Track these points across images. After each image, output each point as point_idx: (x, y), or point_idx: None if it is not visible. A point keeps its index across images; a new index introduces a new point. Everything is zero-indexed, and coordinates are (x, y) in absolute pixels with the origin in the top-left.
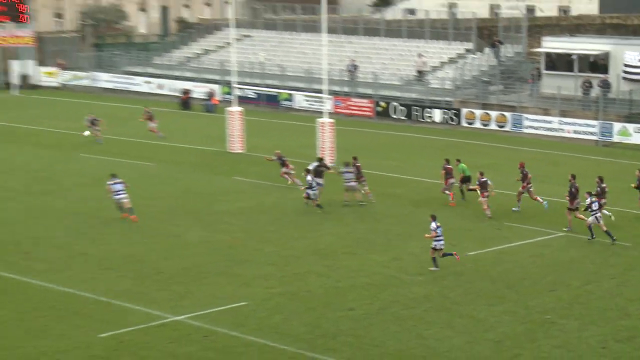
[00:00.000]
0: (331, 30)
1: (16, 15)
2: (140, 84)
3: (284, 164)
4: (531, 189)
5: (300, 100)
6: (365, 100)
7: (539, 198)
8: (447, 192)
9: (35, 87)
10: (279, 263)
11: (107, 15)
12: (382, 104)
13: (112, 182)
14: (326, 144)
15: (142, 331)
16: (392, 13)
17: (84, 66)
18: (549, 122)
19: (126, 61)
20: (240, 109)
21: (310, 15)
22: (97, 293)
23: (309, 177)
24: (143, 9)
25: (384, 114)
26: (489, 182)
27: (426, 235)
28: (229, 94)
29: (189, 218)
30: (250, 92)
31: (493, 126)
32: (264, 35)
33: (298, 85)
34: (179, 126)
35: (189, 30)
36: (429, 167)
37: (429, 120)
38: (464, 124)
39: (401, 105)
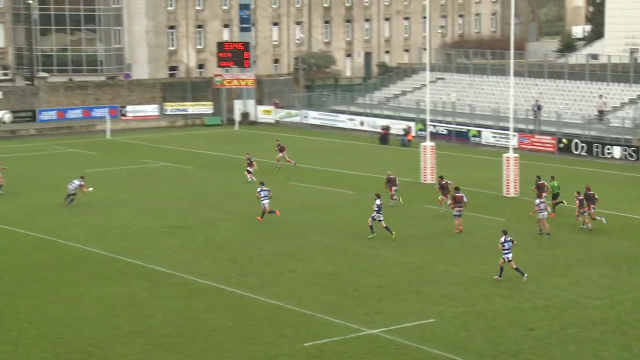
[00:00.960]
0: (518, 74)
1: (240, 60)
2: (344, 121)
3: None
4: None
5: (487, 136)
6: (548, 137)
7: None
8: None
9: (253, 123)
10: (465, 284)
11: (317, 60)
12: (564, 140)
13: (259, 189)
14: (511, 177)
15: (341, 342)
16: (576, 58)
17: (296, 105)
18: None
19: (332, 100)
20: (432, 144)
21: (499, 60)
22: (303, 306)
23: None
24: (349, 55)
25: (565, 150)
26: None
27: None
28: (423, 130)
29: (385, 241)
30: (442, 129)
31: None
32: (456, 77)
33: (486, 123)
34: (377, 159)
35: (389, 74)
36: (610, 201)
37: (608, 156)
38: None
39: (582, 142)
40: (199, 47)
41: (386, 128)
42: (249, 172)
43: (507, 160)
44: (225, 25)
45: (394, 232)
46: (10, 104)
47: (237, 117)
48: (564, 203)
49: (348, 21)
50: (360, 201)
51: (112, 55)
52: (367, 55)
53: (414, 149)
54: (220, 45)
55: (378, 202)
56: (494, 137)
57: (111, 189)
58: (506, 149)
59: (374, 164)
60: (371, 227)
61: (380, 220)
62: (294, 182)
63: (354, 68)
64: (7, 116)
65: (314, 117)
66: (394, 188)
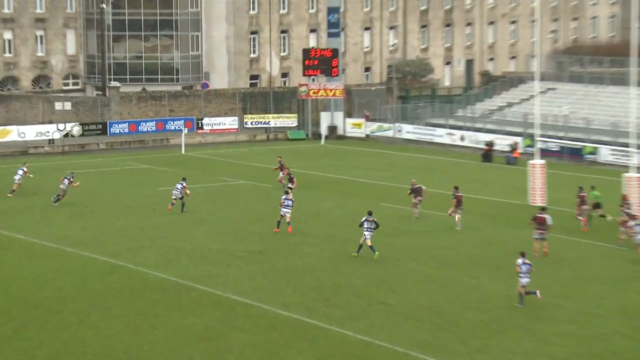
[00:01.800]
0: None
1: (328, 69)
2: (442, 136)
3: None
4: None
5: (605, 154)
6: None
7: None
8: (579, 217)
9: (342, 138)
10: (580, 321)
11: (413, 68)
12: None
13: (284, 197)
14: (633, 199)
15: None
16: None
17: (388, 118)
18: None
19: (429, 113)
20: (542, 161)
21: (619, 68)
22: (395, 343)
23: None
24: (448, 62)
25: None
26: None
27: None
28: (531, 146)
29: (487, 269)
30: (553, 145)
31: None
32: (568, 88)
33: (603, 139)
34: (480, 177)
35: (493, 83)
36: None
37: None
38: None
39: None
40: (283, 54)
41: (490, 144)
42: (290, 188)
43: (629, 181)
44: (312, 30)
45: (376, 252)
46: (79, 115)
47: (323, 130)
48: (606, 217)
49: (447, 25)
50: (463, 225)
51: (189, 63)
52: (469, 63)
53: (521, 168)
54: (306, 52)
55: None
56: (613, 154)
57: (186, 208)
58: (626, 168)
59: (475, 183)
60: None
61: (366, 238)
62: (386, 203)
63: (454, 77)
64: (75, 129)
65: (408, 131)
66: (418, 198)
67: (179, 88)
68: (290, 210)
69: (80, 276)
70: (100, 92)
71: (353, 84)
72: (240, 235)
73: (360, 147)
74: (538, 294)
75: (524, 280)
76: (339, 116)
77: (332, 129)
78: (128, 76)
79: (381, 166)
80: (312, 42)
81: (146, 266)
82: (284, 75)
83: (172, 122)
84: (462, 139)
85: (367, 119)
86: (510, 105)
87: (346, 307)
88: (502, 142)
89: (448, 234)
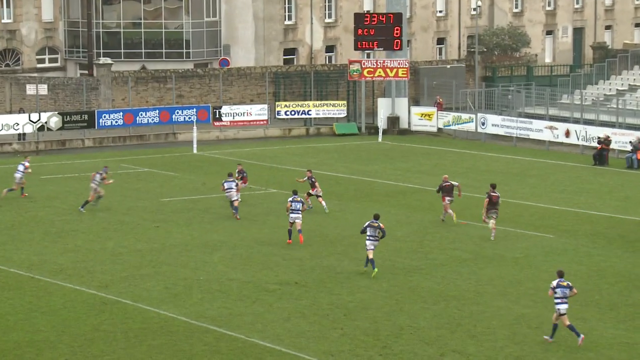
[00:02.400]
0: None
1: (388, 40)
2: (540, 130)
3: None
4: None
5: None
6: None
7: None
8: None
9: (406, 132)
10: None
11: (503, 40)
12: None
13: (291, 199)
14: None
15: None
16: None
17: (469, 106)
18: None
19: (524, 100)
20: None
21: None
22: None
23: None
24: (549, 32)
25: None
26: None
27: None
28: None
29: (598, 309)
30: None
31: None
32: None
33: None
34: (591, 186)
35: (610, 60)
36: None
37: None
38: None
39: None
40: (327, 20)
41: (605, 141)
42: (309, 194)
43: None
44: None
45: (375, 269)
46: (58, 103)
47: (381, 123)
48: None
49: None
50: (566, 249)
51: (204, 32)
52: (578, 33)
53: None
54: (360, 18)
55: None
56: None
57: (198, 226)
58: None
59: (585, 194)
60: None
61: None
62: (463, 219)
63: (557, 52)
64: (53, 120)
65: (495, 123)
66: (447, 199)
67: (189, 66)
68: (301, 215)
69: (61, 315)
70: (85, 72)
71: (421, 61)
72: (271, 262)
73: (431, 145)
74: (581, 339)
75: (562, 307)
76: (402, 104)
77: (394, 120)
78: (122, 50)
79: (458, 171)
80: (367, 6)
81: (146, 301)
82: (329, 49)
83: (180, 112)
84: (567, 134)
85: (440, 107)
86: (633, 89)
87: (411, 357)
88: (621, 139)
89: (546, 260)
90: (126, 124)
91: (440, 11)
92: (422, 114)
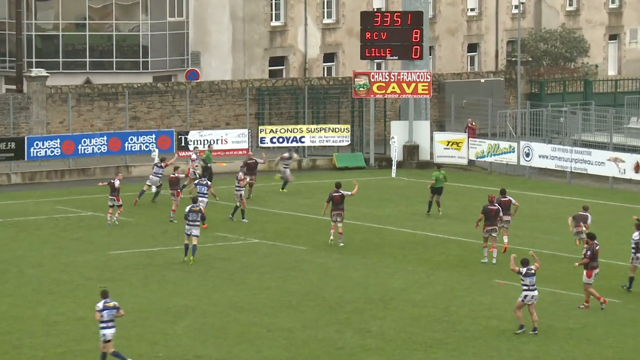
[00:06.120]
0: None
1: (405, 48)
2: (602, 163)
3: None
4: None
5: None
6: None
7: None
8: None
9: (427, 166)
10: None
11: (554, 46)
12: None
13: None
14: None
15: None
16: None
17: (509, 131)
18: None
19: (580, 124)
20: None
21: None
22: None
23: None
24: (615, 37)
25: None
26: None
27: None
28: None
29: None
30: None
31: None
32: None
33: None
34: None
35: None
36: None
37: None
38: None
39: None
40: (327, 21)
41: None
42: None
43: None
44: None
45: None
46: None
47: (395, 153)
48: None
49: None
50: (635, 318)
51: (166, 36)
52: None
53: None
54: (368, 18)
55: None
56: None
57: (158, 287)
58: None
59: None
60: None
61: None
62: (502, 279)
63: (624, 62)
64: None
65: (542, 154)
66: (584, 226)
67: (148, 80)
68: (207, 201)
69: None
70: (13, 87)
71: (448, 74)
72: (251, 334)
73: (459, 182)
74: None
75: None
76: (422, 128)
77: (411, 150)
78: (61, 59)
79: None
80: (377, 2)
81: None
82: (329, 58)
83: (135, 139)
84: (637, 168)
85: (472, 133)
86: None
87: None
88: None
89: (609, 332)
90: (65, 155)
91: (473, 9)
92: (449, 142)
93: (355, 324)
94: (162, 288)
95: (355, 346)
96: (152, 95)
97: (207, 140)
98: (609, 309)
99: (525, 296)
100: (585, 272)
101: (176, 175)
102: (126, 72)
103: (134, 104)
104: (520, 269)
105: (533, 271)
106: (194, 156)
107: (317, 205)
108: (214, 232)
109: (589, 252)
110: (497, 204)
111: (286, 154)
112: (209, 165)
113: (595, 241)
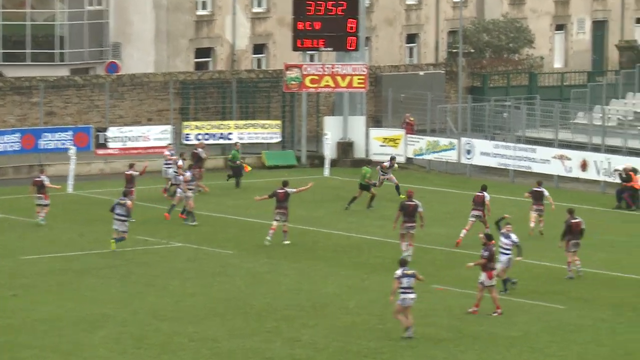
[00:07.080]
0: None
1: (340, 38)
2: (547, 161)
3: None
4: None
5: None
6: None
7: None
8: None
9: (362, 164)
10: None
11: (496, 37)
12: None
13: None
14: None
15: None
16: None
17: (449, 127)
18: None
19: (524, 119)
20: None
21: None
22: None
23: None
24: (561, 27)
25: None
26: None
27: None
28: None
29: None
30: None
31: None
32: None
33: None
34: (616, 237)
35: None
36: None
37: None
38: None
39: None
40: (256, 10)
41: (626, 176)
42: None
43: None
44: None
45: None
46: None
47: (328, 151)
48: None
49: None
50: (580, 324)
51: (84, 27)
52: (599, 28)
53: None
54: (300, 8)
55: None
56: None
57: (73, 295)
58: None
59: (607, 247)
60: None
61: None
62: (441, 285)
63: (571, 54)
64: None
65: (485, 151)
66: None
67: (64, 73)
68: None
69: None
70: None
71: (385, 66)
72: (173, 344)
73: (398, 182)
74: None
75: None
76: (357, 124)
77: (346, 147)
78: None
79: (434, 216)
80: None
81: None
82: (258, 49)
83: (50, 136)
84: (583, 166)
85: (410, 129)
86: None
87: None
88: None
89: (552, 340)
90: None
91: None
92: (385, 139)
93: (285, 333)
94: (79, 295)
95: (285, 356)
96: (69, 89)
97: (234, 139)
98: (554, 315)
99: (404, 299)
100: (484, 273)
101: (130, 172)
102: (41, 64)
103: (50, 99)
104: (398, 270)
105: (410, 272)
106: (167, 152)
107: (245, 207)
108: (134, 236)
109: (486, 253)
110: (416, 200)
111: (386, 163)
112: (237, 162)
113: (493, 242)
